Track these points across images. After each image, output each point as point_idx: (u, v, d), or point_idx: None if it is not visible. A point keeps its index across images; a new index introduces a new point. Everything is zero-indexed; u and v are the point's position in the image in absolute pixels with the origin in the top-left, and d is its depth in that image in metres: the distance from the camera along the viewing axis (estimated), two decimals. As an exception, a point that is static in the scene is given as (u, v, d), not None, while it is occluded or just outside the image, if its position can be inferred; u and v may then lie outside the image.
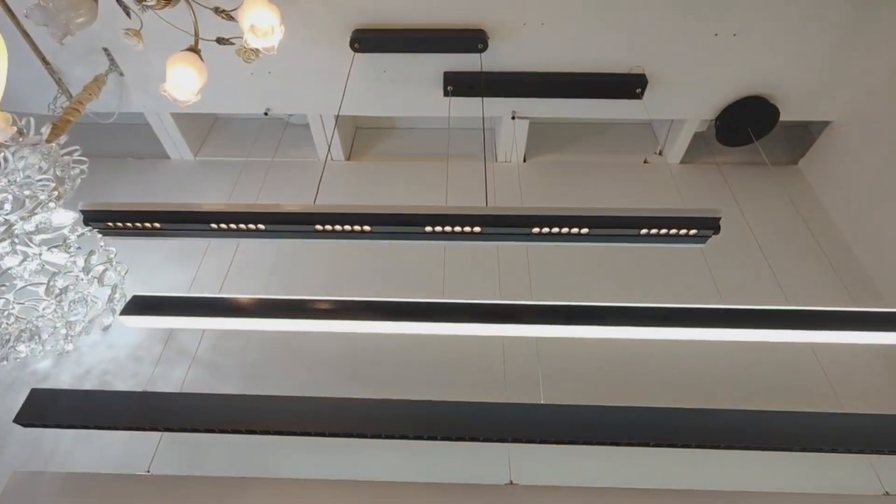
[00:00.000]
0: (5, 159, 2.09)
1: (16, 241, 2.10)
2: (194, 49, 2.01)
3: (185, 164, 3.87)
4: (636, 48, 2.92)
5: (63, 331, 2.33)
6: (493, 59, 2.93)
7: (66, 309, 2.29)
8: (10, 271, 2.11)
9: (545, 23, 2.79)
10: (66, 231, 2.23)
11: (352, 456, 2.44)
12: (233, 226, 1.61)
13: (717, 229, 1.72)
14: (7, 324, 2.16)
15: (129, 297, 2.03)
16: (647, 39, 2.87)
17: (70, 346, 2.40)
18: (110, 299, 2.43)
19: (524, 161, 3.81)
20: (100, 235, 2.34)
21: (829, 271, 3.07)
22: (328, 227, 1.62)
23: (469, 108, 3.02)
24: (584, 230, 1.70)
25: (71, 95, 3.11)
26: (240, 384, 2.69)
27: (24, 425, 1.96)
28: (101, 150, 3.76)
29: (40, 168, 2.23)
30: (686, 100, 3.24)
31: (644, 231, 1.70)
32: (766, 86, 3.13)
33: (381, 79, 3.12)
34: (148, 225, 1.65)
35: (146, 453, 2.22)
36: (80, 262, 2.27)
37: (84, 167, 2.41)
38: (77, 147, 2.40)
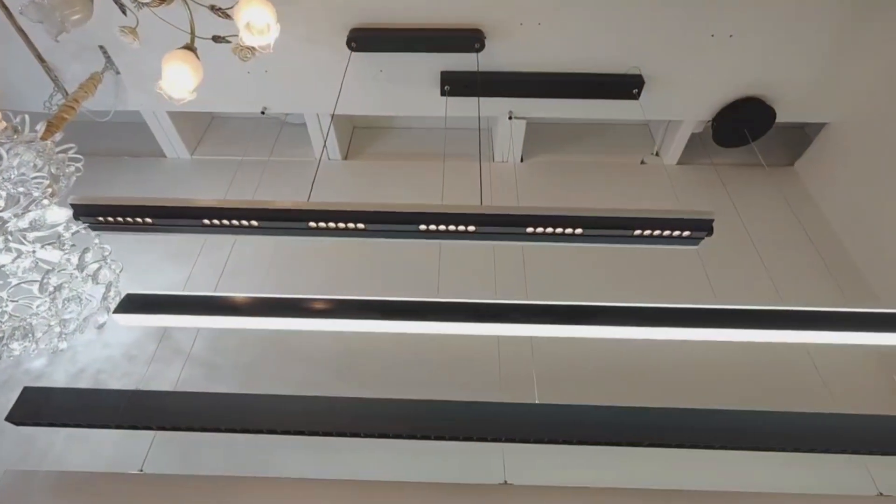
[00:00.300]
0: (-1, 156, 2.08)
1: (9, 238, 2.09)
2: (190, 47, 2.01)
3: (181, 162, 3.87)
4: (633, 49, 2.92)
5: (57, 329, 2.32)
6: (489, 59, 2.93)
7: (60, 307, 2.28)
8: (3, 269, 2.10)
9: (542, 23, 2.79)
10: (60, 228, 2.22)
11: (346, 455, 2.43)
12: (225, 222, 1.60)
13: (710, 231, 1.72)
14: (0, 322, 2.15)
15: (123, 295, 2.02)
16: (644, 40, 2.87)
17: (64, 345, 2.39)
18: (105, 297, 2.41)
19: (521, 161, 3.81)
20: (94, 233, 2.33)
21: (825, 272, 3.08)
22: (322, 225, 1.62)
23: (466, 107, 3.02)
24: (578, 230, 1.70)
25: (67, 93, 3.10)
26: (234, 383, 2.69)
27: (17, 424, 1.95)
28: (98, 148, 3.75)
29: (35, 165, 2.22)
30: (682, 101, 3.24)
31: (638, 232, 1.70)
32: (762, 87, 3.14)
33: (377, 78, 3.12)
34: (139, 220, 1.64)
35: (139, 452, 2.21)
36: (75, 259, 2.26)
37: (79, 165, 2.41)
38: (72, 145, 2.39)
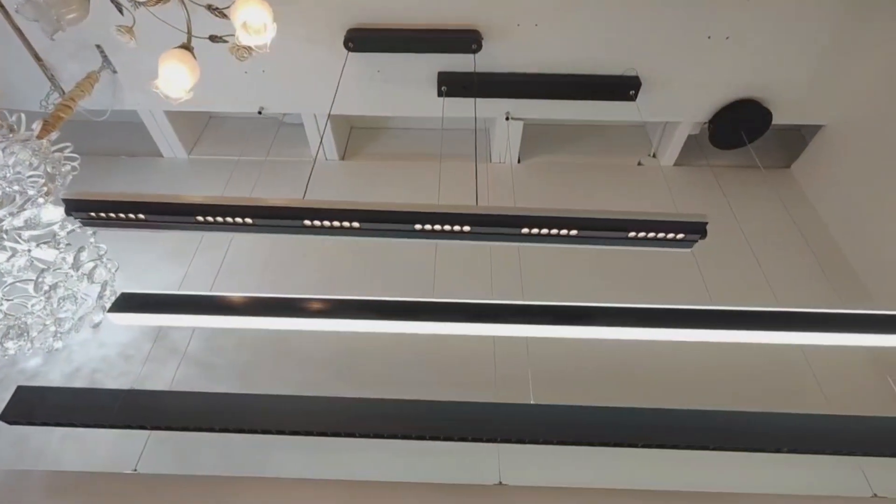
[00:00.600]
0: (-6, 155, 2.08)
1: (4, 236, 2.09)
2: (187, 46, 2.01)
3: (178, 162, 3.86)
4: (630, 50, 2.93)
5: (52, 328, 2.32)
6: (487, 60, 2.94)
7: (55, 306, 2.28)
8: (-2, 267, 2.10)
9: (539, 24, 2.80)
10: (55, 227, 2.22)
11: (341, 455, 2.43)
12: (219, 219, 1.60)
13: (703, 234, 1.72)
14: (-5, 320, 2.15)
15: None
16: (641, 42, 2.88)
17: (59, 344, 2.39)
18: (100, 296, 2.42)
19: (518, 162, 3.82)
20: (90, 232, 2.33)
21: (820, 274, 3.09)
22: (316, 223, 1.62)
23: (463, 108, 3.03)
24: (573, 232, 1.70)
25: (64, 92, 3.10)
26: (230, 383, 2.68)
27: (10, 423, 1.95)
28: (94, 147, 3.74)
29: (31, 164, 2.22)
30: (679, 102, 3.25)
31: (632, 234, 1.70)
32: (759, 89, 3.15)
33: (375, 78, 3.12)
34: (132, 216, 1.63)
35: (134, 452, 2.20)
36: (70, 258, 2.26)
37: (75, 164, 2.41)
38: (68, 144, 2.39)
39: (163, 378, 2.65)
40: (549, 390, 2.26)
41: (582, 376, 2.66)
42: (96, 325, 2.46)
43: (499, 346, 2.63)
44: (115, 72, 3.12)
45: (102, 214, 1.64)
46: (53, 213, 2.18)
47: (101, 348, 2.82)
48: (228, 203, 1.59)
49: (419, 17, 2.80)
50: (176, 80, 1.94)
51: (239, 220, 1.60)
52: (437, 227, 1.65)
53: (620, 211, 1.69)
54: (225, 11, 1.97)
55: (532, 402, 2.05)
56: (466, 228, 1.66)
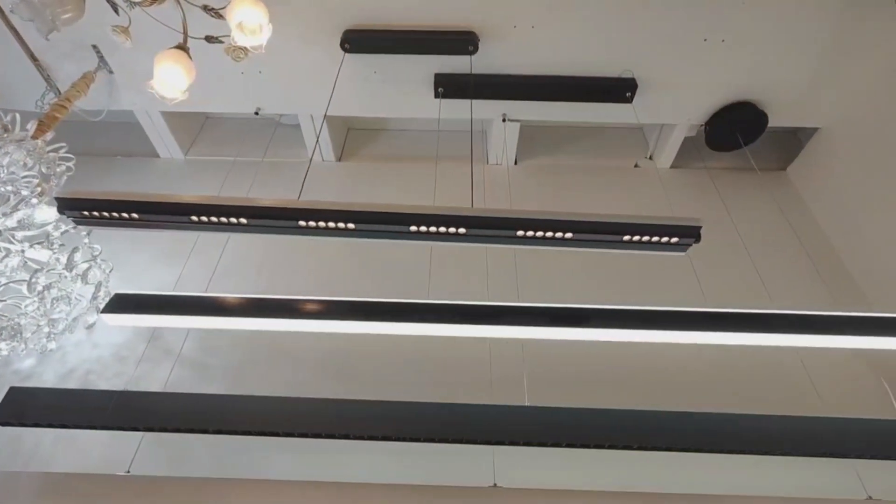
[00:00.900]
0: (-12, 155, 2.07)
1: (-3, 237, 2.08)
2: (182, 47, 2.01)
3: (174, 162, 3.85)
4: (626, 52, 2.93)
5: (46, 329, 2.31)
6: (483, 61, 2.94)
7: (48, 306, 2.27)
8: (-9, 268, 2.09)
9: (536, 26, 2.80)
10: (49, 228, 2.21)
11: (335, 457, 2.42)
12: (213, 219, 1.59)
13: (697, 238, 1.72)
14: (-12, 321, 2.14)
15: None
16: (637, 44, 2.88)
17: (53, 345, 2.38)
18: (94, 297, 2.41)
19: (515, 164, 3.82)
20: (84, 232, 2.32)
21: (815, 276, 3.09)
22: (311, 224, 1.61)
23: (460, 109, 3.02)
24: (568, 234, 1.70)
25: (59, 92, 3.09)
26: (224, 384, 2.67)
27: (2, 424, 1.94)
28: (90, 148, 3.73)
29: (25, 164, 2.21)
30: (676, 104, 3.26)
31: (627, 237, 1.70)
32: (755, 91, 3.15)
33: (371, 80, 3.12)
34: (125, 215, 1.62)
35: (127, 453, 2.20)
36: (64, 259, 2.25)
37: (70, 164, 2.40)
38: (63, 144, 2.38)
39: (157, 379, 2.64)
40: (545, 392, 2.26)
41: (577, 378, 2.65)
42: (90, 326, 2.45)
43: (494, 348, 2.63)
44: (111, 72, 3.11)
45: (95, 213, 1.63)
46: (47, 214, 2.17)
47: (95, 349, 2.81)
48: (222, 203, 1.59)
49: (416, 18, 2.80)
50: (171, 80, 1.94)
51: (233, 220, 1.60)
52: (433, 228, 1.65)
53: (614, 214, 1.69)
54: (221, 12, 1.97)
55: (527, 404, 2.05)
56: (462, 230, 1.66)
